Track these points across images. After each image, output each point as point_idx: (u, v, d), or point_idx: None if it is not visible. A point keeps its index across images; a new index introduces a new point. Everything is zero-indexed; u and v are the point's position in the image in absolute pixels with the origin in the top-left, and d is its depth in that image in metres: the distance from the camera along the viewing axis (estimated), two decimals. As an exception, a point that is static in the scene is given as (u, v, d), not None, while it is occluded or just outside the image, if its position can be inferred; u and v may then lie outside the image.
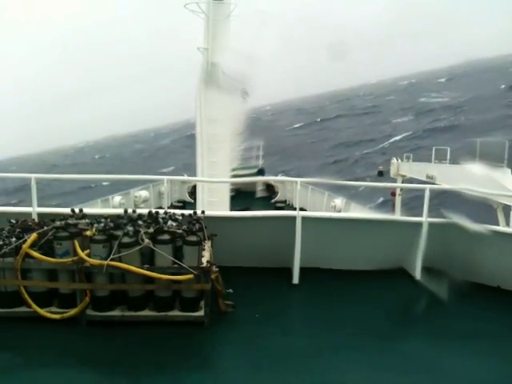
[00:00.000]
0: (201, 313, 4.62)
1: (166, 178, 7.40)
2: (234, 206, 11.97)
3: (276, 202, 20.38)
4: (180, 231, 4.69)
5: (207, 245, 4.99)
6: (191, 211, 5.49)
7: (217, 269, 4.74)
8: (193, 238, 4.63)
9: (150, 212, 5.08)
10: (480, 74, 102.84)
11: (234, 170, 13.45)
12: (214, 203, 11.45)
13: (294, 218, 5.89)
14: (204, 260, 4.63)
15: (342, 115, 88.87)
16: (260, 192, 21.84)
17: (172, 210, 5.39)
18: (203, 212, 5.47)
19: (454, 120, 59.95)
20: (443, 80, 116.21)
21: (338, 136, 67.98)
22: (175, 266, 4.51)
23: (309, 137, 73.35)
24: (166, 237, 4.62)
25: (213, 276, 4.61)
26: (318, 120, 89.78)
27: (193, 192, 18.77)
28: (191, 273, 4.43)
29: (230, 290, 5.03)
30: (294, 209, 6.19)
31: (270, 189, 21.98)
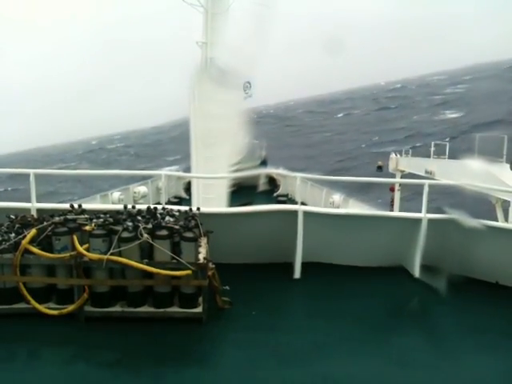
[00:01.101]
0: (199, 309, 4.63)
1: (163, 173, 7.37)
2: (235, 201, 11.87)
3: (278, 196, 20.38)
4: (177, 227, 4.69)
5: (203, 241, 4.99)
6: (187, 207, 5.50)
7: (213, 265, 4.74)
8: (190, 234, 4.63)
9: (148, 208, 5.08)
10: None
11: (238, 163, 13.38)
12: (210, 200, 11.35)
13: (295, 213, 5.89)
14: (200, 256, 4.64)
15: (381, 108, 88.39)
16: (262, 185, 21.80)
17: (169, 206, 5.39)
18: (198, 209, 5.46)
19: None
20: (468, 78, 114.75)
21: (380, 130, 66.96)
22: (174, 261, 4.52)
23: (330, 132, 72.77)
24: (164, 232, 4.63)
25: (209, 273, 4.63)
26: (340, 115, 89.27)
27: (188, 188, 18.66)
28: (189, 268, 4.44)
29: (227, 287, 5.03)
30: (296, 203, 6.20)
31: (272, 182, 21.97)
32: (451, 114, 71.07)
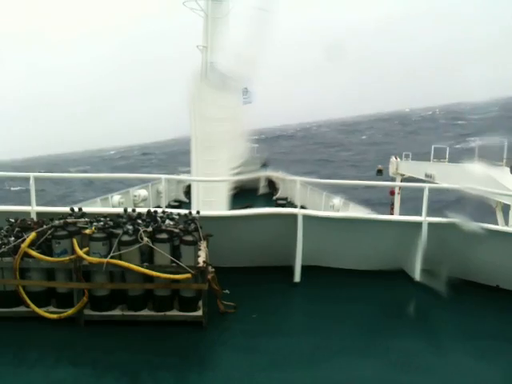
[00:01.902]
0: (199, 313, 4.62)
1: (163, 177, 7.36)
2: (235, 204, 11.86)
3: (277, 199, 20.39)
4: (177, 230, 4.69)
5: (203, 245, 4.99)
6: (187, 211, 5.49)
7: (213, 269, 4.73)
8: (189, 238, 4.63)
9: (149, 211, 5.07)
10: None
11: (238, 167, 13.42)
12: (211, 203, 11.37)
13: (294, 216, 5.89)
14: (200, 260, 4.63)
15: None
16: (262, 188, 21.88)
17: (169, 210, 5.39)
18: (198, 212, 5.46)
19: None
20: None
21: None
22: (173, 265, 4.51)
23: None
24: (164, 236, 4.62)
25: (209, 276, 4.62)
26: (364, 137, 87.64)
27: (188, 192, 18.66)
28: (189, 272, 4.44)
29: (227, 291, 5.02)
30: (295, 207, 6.19)
31: (272, 185, 22.03)
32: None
